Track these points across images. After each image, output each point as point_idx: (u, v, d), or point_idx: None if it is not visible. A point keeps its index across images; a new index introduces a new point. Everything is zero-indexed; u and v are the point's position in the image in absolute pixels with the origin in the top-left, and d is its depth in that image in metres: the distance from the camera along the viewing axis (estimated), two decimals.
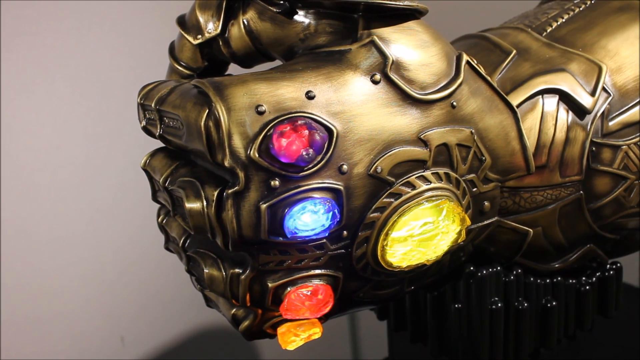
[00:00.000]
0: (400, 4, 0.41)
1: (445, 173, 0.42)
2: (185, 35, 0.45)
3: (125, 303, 0.86)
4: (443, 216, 0.41)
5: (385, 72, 0.40)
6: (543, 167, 0.48)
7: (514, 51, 0.51)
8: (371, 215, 0.40)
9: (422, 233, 0.41)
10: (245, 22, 0.44)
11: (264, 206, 0.37)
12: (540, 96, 0.48)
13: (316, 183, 0.38)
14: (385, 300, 0.46)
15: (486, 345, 0.48)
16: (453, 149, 0.42)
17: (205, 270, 0.41)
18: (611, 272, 0.54)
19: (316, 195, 0.38)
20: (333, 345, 1.08)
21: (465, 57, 0.43)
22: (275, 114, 0.37)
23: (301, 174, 0.37)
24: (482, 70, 0.44)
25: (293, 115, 0.37)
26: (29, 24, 0.72)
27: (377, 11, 0.41)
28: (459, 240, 0.44)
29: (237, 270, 0.40)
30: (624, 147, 0.50)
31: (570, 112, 0.49)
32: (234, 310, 0.43)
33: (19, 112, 0.73)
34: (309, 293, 0.40)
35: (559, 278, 0.52)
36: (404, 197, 0.40)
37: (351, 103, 0.39)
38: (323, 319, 0.45)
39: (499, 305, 0.48)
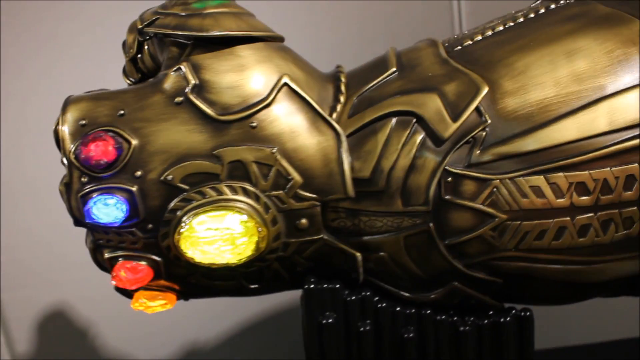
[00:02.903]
0: (218, 33, 0.46)
1: (241, 187, 0.46)
2: (124, 53, 0.57)
3: None
4: (224, 225, 0.45)
5: (186, 94, 0.46)
6: (381, 193, 0.46)
7: (394, 68, 0.48)
8: (167, 215, 0.47)
9: (205, 237, 0.46)
10: (148, 47, 0.54)
11: (78, 196, 0.47)
12: (393, 118, 0.46)
13: (113, 183, 0.46)
14: (229, 291, 0.51)
15: (316, 357, 0.49)
16: (250, 166, 0.45)
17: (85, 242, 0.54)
18: (508, 319, 0.47)
19: (114, 193, 0.47)
20: None
21: (283, 81, 0.45)
22: (90, 128, 0.47)
23: (102, 174, 0.46)
24: (303, 93, 0.45)
25: (98, 129, 0.46)
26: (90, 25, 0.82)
27: (205, 40, 0.46)
28: (262, 247, 0.46)
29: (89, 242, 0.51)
30: (495, 181, 0.44)
31: (426, 138, 0.45)
32: None
33: None
34: (129, 268, 0.49)
35: (429, 311, 0.48)
36: (194, 204, 0.46)
37: (152, 121, 0.46)
38: (182, 297, 0.53)
39: (330, 320, 0.48)
